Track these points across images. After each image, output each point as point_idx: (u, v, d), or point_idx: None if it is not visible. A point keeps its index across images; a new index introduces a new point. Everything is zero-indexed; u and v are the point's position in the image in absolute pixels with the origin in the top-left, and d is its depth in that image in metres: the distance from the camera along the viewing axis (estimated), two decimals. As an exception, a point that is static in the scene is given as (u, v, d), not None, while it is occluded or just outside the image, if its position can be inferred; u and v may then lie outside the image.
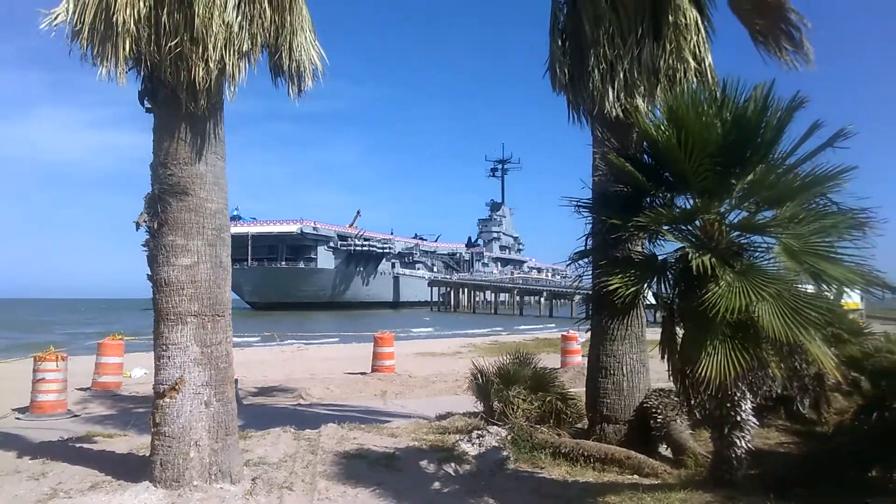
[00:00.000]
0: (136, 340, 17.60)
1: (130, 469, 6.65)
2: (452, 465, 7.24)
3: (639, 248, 6.90)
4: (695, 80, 7.82)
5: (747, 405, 5.89)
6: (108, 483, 6.35)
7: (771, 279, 5.45)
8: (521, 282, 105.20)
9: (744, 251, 5.94)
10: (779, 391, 7.60)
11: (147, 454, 6.48)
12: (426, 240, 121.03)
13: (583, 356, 16.38)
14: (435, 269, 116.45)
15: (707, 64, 8.07)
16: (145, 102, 6.37)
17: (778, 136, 5.70)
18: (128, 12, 5.51)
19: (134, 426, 9.66)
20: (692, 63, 7.78)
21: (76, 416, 11.34)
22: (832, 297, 6.03)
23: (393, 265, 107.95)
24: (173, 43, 5.69)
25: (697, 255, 5.56)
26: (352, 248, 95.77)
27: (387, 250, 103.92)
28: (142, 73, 6.16)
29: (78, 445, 8.10)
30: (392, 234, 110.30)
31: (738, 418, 5.88)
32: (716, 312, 5.27)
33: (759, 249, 5.92)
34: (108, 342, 14.81)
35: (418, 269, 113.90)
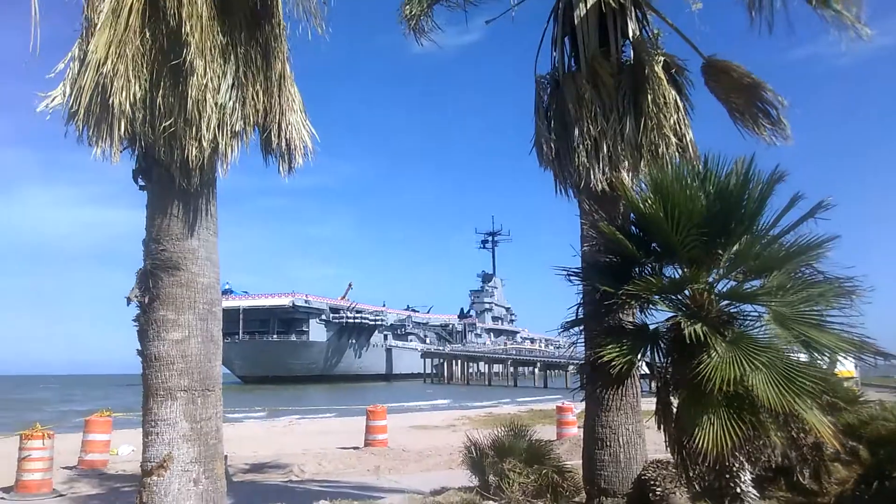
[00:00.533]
0: (125, 417, 17.26)
1: (114, 553, 6.44)
2: (447, 543, 7.04)
3: (630, 318, 6.92)
4: (677, 154, 8.05)
5: (747, 476, 5.80)
6: (91, 569, 6.13)
7: (763, 348, 5.46)
8: (514, 352, 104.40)
9: (734, 320, 5.97)
10: (778, 461, 7.50)
11: (132, 537, 6.29)
12: (418, 311, 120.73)
13: (579, 427, 16.17)
14: (428, 341, 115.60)
15: (688, 139, 8.33)
16: (139, 180, 6.48)
17: (760, 208, 5.83)
18: (123, 95, 5.64)
19: (119, 507, 9.39)
20: (673, 139, 8.03)
21: (62, 495, 11.04)
22: (825, 365, 6.04)
23: (385, 337, 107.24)
24: (167, 123, 5.83)
25: (689, 323, 5.58)
26: (344, 320, 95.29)
27: (379, 322, 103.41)
28: (136, 152, 6.28)
29: (61, 529, 7.85)
30: (384, 305, 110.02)
31: (738, 490, 5.76)
32: (710, 383, 5.26)
33: (750, 318, 5.96)
34: (95, 419, 14.54)
35: (411, 340, 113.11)
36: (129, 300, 6.35)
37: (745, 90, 7.91)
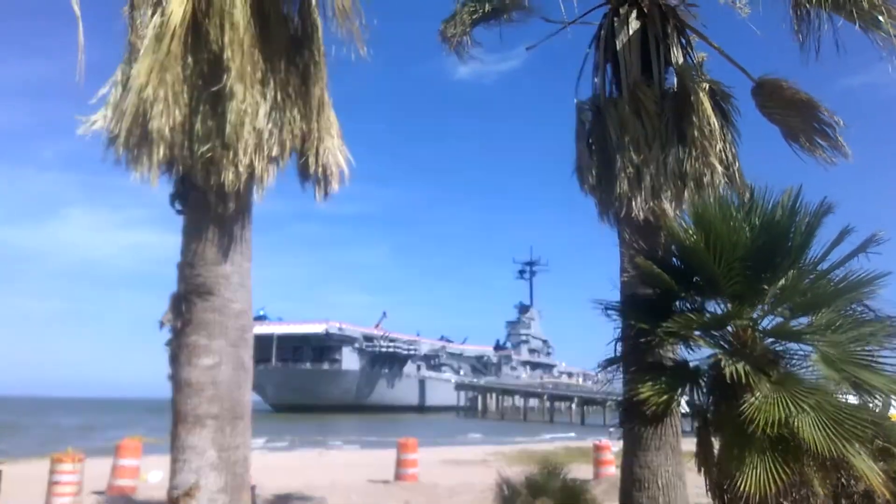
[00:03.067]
0: (156, 442, 17.30)
1: (138, 582, 6.35)
2: (477, 584, 6.80)
3: (670, 354, 6.70)
4: (723, 182, 7.84)
5: (791, 524, 5.50)
6: None
7: (810, 389, 5.22)
8: (551, 387, 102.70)
9: (780, 359, 5.73)
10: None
11: (157, 566, 6.20)
12: (453, 342, 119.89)
13: (616, 467, 15.73)
14: (462, 373, 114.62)
15: (735, 168, 8.14)
16: (176, 205, 6.51)
17: (808, 241, 5.62)
18: (163, 120, 5.70)
19: (147, 534, 9.34)
20: (719, 168, 7.83)
21: (90, 522, 11.04)
22: (877, 409, 5.75)
23: (419, 367, 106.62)
24: (205, 148, 5.86)
25: (731, 362, 5.36)
26: (377, 349, 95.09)
27: (412, 352, 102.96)
28: (174, 177, 6.33)
29: (88, 555, 7.80)
30: (418, 335, 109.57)
31: (783, 539, 5.47)
32: (754, 425, 5.02)
33: (796, 357, 5.71)
34: (125, 443, 14.59)
35: (444, 371, 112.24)
36: (161, 324, 6.35)
37: (801, 109, 7.69)
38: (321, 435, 33.54)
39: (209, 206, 6.19)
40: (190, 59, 5.91)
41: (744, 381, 5.32)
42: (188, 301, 6.27)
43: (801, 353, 5.69)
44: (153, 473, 15.34)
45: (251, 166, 5.95)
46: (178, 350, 6.27)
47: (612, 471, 15.91)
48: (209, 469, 6.07)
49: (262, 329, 65.03)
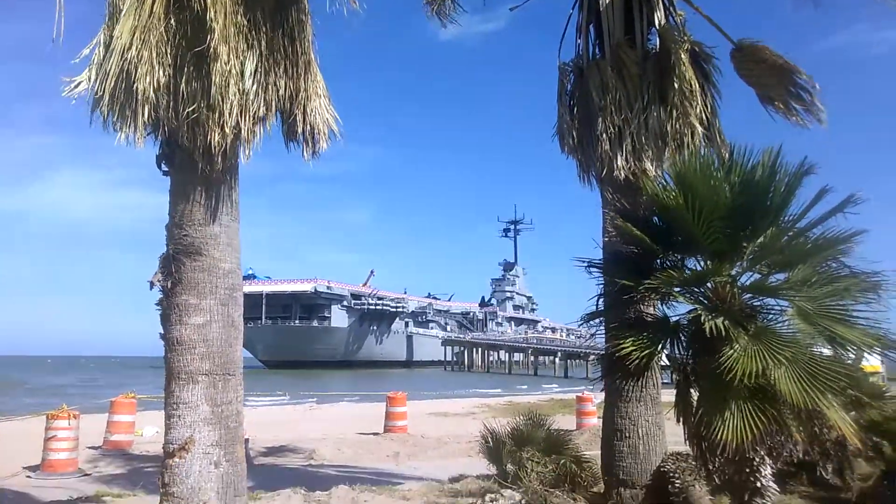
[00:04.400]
0: (149, 399, 17.52)
1: (137, 532, 6.56)
2: (464, 530, 7.07)
3: (651, 310, 6.86)
4: (703, 143, 7.92)
5: (767, 470, 5.74)
6: (114, 547, 6.25)
7: (786, 343, 5.39)
8: (535, 342, 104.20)
9: (757, 314, 5.89)
10: (800, 456, 7.42)
11: (155, 517, 6.39)
12: (439, 299, 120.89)
13: (598, 418, 16.12)
14: (448, 329, 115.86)
15: (716, 128, 8.19)
16: (162, 166, 6.52)
17: (787, 201, 5.72)
18: (147, 81, 5.67)
19: (143, 486, 9.56)
20: (699, 128, 7.89)
21: (87, 475, 11.27)
22: (851, 361, 5.95)
23: (406, 324, 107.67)
24: (190, 109, 5.84)
25: (710, 317, 5.52)
26: (365, 307, 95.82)
27: (400, 309, 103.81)
28: (159, 138, 6.31)
29: (86, 507, 8.00)
30: (405, 293, 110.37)
31: (759, 484, 5.71)
32: (732, 376, 5.21)
33: (773, 312, 5.87)
34: (120, 400, 14.80)
35: (432, 328, 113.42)
36: (151, 284, 6.42)
37: (777, 73, 7.73)
38: (311, 390, 33.91)
39: (196, 167, 6.20)
40: (173, 20, 5.85)
41: (723, 334, 5.48)
42: (177, 261, 6.33)
43: (778, 308, 5.85)
44: (147, 429, 15.59)
45: (237, 127, 5.95)
46: (169, 309, 6.36)
47: (595, 421, 16.31)
48: (203, 424, 6.21)
49: (251, 288, 65.16)
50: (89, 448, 13.42)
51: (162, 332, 6.44)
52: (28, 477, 10.97)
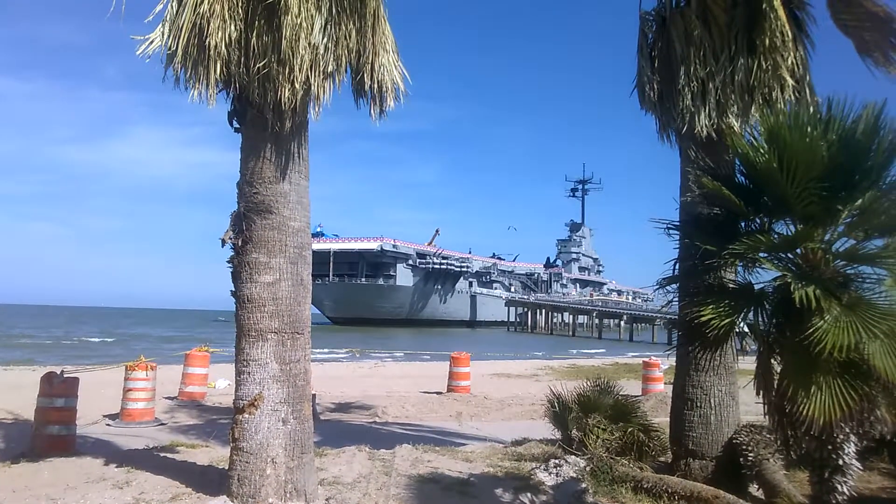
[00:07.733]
0: (222, 353, 18.07)
1: (209, 482, 6.74)
2: (528, 494, 7.00)
3: (732, 276, 6.52)
4: (793, 98, 7.42)
5: (851, 448, 5.42)
6: (188, 495, 6.44)
7: (883, 315, 5.00)
8: (600, 304, 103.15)
9: (851, 282, 5.50)
10: (885, 434, 7.03)
11: (226, 467, 6.55)
12: (504, 259, 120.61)
13: (665, 384, 15.81)
14: (512, 289, 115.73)
15: (806, 82, 7.65)
16: (234, 123, 6.51)
17: (890, 160, 5.27)
18: (219, 36, 5.64)
19: (215, 437, 9.88)
20: (790, 81, 7.37)
21: (163, 424, 11.71)
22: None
23: (470, 284, 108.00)
24: (261, 64, 5.79)
25: (800, 285, 5.17)
26: (430, 266, 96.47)
27: (464, 269, 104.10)
28: (231, 95, 6.30)
29: (162, 455, 8.29)
30: (470, 253, 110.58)
31: (841, 462, 5.40)
32: (822, 348, 4.88)
33: (869, 281, 5.47)
34: (194, 353, 15.28)
35: (496, 288, 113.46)
36: (223, 242, 6.47)
37: (878, 23, 7.14)
38: (377, 348, 34.51)
39: (266, 124, 6.17)
40: (244, -28, 5.77)
41: (813, 304, 5.13)
42: (248, 219, 6.36)
43: (875, 276, 5.44)
44: (220, 381, 16.12)
45: (307, 83, 5.87)
46: (240, 267, 6.41)
47: (661, 388, 16.02)
48: (272, 381, 6.30)
49: (319, 245, 66.30)
50: (165, 398, 13.97)
51: (233, 289, 6.51)
52: (108, 425, 11.48)
